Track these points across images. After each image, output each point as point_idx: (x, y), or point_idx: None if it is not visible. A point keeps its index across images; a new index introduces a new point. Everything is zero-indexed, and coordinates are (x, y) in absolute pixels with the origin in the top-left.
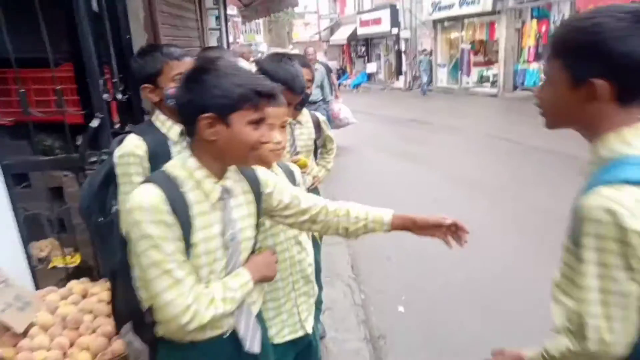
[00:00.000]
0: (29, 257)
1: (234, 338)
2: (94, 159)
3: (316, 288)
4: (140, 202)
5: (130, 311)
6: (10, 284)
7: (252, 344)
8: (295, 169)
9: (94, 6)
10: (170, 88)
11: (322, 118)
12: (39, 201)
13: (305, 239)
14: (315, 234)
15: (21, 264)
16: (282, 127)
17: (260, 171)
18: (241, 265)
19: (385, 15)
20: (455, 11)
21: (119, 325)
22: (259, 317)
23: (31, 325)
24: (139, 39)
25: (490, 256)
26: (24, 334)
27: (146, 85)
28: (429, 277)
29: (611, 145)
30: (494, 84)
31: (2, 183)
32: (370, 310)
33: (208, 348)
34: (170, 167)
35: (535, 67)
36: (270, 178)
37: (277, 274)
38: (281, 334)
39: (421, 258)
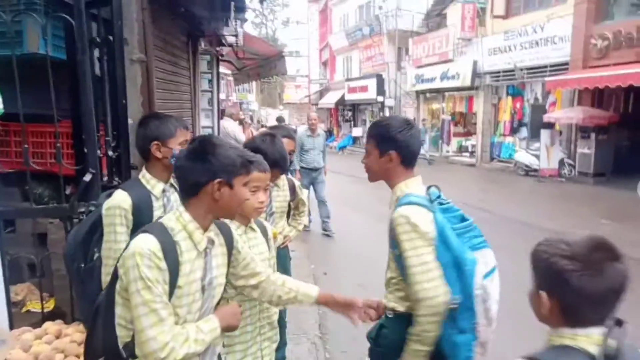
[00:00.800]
0: (7, 299)
1: None
2: (82, 209)
3: (278, 335)
4: (141, 249)
5: (107, 347)
6: None
7: None
8: (268, 226)
9: (97, 71)
10: (177, 150)
11: (297, 183)
12: (21, 246)
13: None
14: None
15: (1, 305)
16: (265, 189)
17: (234, 230)
18: (213, 308)
19: (371, 83)
20: (437, 84)
21: (92, 350)
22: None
23: None
24: (134, 102)
25: None
26: None
27: (157, 142)
28: None
29: (401, 189)
30: (472, 153)
31: None
32: None
33: None
34: (167, 219)
35: (511, 141)
36: (238, 237)
37: (247, 319)
38: None
39: None
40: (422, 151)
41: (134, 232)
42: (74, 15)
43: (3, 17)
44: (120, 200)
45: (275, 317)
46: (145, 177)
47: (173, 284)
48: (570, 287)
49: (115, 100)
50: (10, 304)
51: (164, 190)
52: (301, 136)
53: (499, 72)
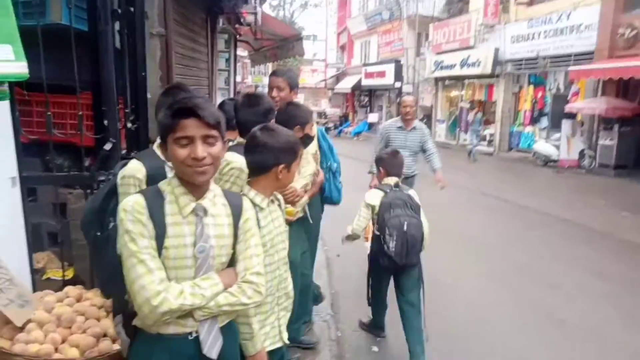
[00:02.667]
0: (31, 264)
1: (197, 341)
2: (102, 178)
3: (291, 303)
4: (125, 205)
5: (120, 308)
6: (14, 282)
7: (211, 350)
8: (280, 197)
9: (117, 44)
10: None
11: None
12: (42, 215)
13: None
14: None
15: (25, 270)
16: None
17: (246, 201)
18: None
19: (389, 69)
20: (456, 71)
21: (115, 314)
22: (230, 329)
23: (29, 321)
24: (153, 75)
25: (467, 308)
26: (22, 328)
27: None
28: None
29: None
30: (490, 142)
31: (19, 194)
32: (345, 348)
33: (172, 344)
34: (162, 183)
35: (530, 130)
36: (252, 215)
37: (267, 290)
38: (263, 345)
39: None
40: (470, 143)
41: None
42: None
43: None
44: (134, 169)
45: (291, 287)
46: (161, 147)
47: (160, 243)
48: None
49: (134, 73)
50: (33, 270)
51: None
52: (388, 129)
53: (521, 60)
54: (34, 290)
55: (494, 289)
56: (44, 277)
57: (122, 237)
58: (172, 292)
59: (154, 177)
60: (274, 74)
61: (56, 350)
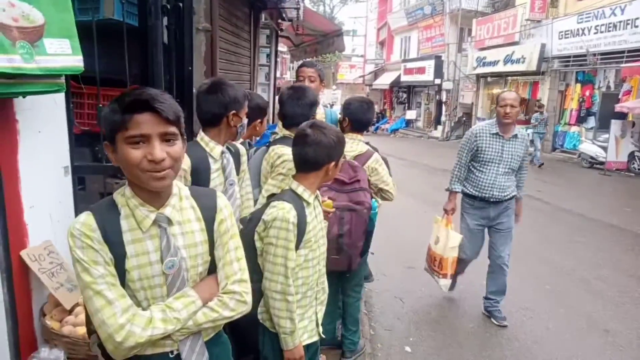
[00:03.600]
0: None
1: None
2: None
3: (326, 296)
4: (71, 230)
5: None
6: (64, 267)
7: None
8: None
9: (165, 39)
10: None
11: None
12: (89, 203)
13: None
14: None
15: None
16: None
17: (221, 200)
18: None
19: (429, 65)
20: (500, 68)
21: (90, 333)
22: (219, 340)
23: (77, 304)
24: (198, 70)
25: (503, 307)
26: (70, 311)
27: (235, 111)
28: (439, 322)
29: None
30: (532, 142)
31: (70, 181)
32: (378, 346)
33: None
34: (116, 193)
35: (576, 130)
36: (228, 211)
37: (308, 284)
38: (302, 338)
39: (432, 304)
40: (537, 145)
41: None
42: None
43: None
44: None
45: (326, 283)
46: (204, 139)
47: (122, 268)
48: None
49: (181, 68)
50: None
51: (222, 152)
52: (478, 135)
53: (569, 56)
54: None
55: (533, 294)
56: None
57: (74, 266)
58: (138, 322)
59: (198, 168)
60: (304, 65)
61: None
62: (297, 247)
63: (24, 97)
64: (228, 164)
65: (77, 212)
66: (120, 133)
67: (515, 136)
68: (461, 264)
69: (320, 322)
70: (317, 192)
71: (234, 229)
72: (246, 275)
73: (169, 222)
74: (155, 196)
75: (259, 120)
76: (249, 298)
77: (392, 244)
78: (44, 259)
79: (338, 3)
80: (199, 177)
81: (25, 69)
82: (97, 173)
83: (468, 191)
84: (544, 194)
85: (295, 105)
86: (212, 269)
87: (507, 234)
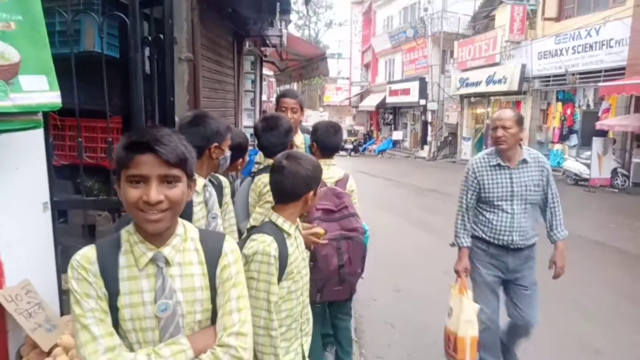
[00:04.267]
0: (60, 286)
1: None
2: None
3: (311, 327)
4: (72, 261)
5: None
6: (43, 307)
7: None
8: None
9: (147, 69)
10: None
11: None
12: (72, 236)
13: None
14: None
15: (53, 292)
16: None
17: (227, 244)
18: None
19: (414, 86)
20: (482, 88)
21: None
22: None
23: (55, 345)
24: (181, 99)
25: None
26: (49, 353)
27: (217, 144)
28: (431, 349)
29: None
30: None
31: (49, 217)
32: None
33: None
34: (125, 228)
35: (559, 148)
36: (235, 257)
37: (293, 317)
38: None
39: (424, 330)
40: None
41: None
42: (129, 14)
43: (65, 17)
44: None
45: (310, 314)
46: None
47: (114, 305)
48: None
49: (163, 97)
50: (61, 291)
51: (205, 185)
52: (477, 169)
53: (549, 76)
54: (62, 311)
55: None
56: None
57: (70, 296)
58: None
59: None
60: (284, 95)
61: None
62: (279, 280)
63: None
64: (210, 197)
65: (57, 246)
66: (123, 170)
67: (524, 161)
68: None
69: (307, 354)
70: (298, 221)
71: (239, 276)
72: (246, 329)
73: (167, 262)
74: (156, 234)
75: (240, 160)
76: (245, 355)
77: (380, 266)
78: (21, 299)
79: (323, 27)
80: (181, 213)
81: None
82: (77, 207)
83: (479, 234)
84: None
85: (270, 136)
86: (216, 320)
87: (533, 292)
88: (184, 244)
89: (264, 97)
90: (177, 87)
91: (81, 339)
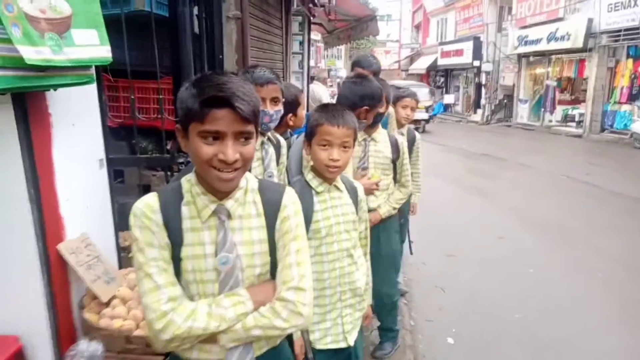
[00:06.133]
0: (117, 242)
1: None
2: (181, 160)
3: (364, 303)
4: (134, 209)
5: None
6: (102, 260)
7: None
8: (359, 187)
9: (196, 29)
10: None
11: (399, 138)
12: (129, 195)
13: (359, 254)
14: None
15: (111, 248)
16: (343, 146)
17: (287, 195)
18: None
19: (467, 47)
20: (543, 46)
21: None
22: (275, 357)
23: (114, 297)
24: (230, 59)
25: (551, 299)
26: (107, 303)
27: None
28: (483, 313)
29: None
30: (579, 124)
31: (106, 174)
32: (419, 338)
33: None
34: (185, 177)
35: (628, 109)
36: (295, 209)
37: (325, 282)
38: (323, 341)
39: (476, 294)
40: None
41: None
42: None
43: None
44: None
45: (360, 284)
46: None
47: (177, 253)
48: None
49: (212, 57)
50: (119, 247)
51: (262, 143)
52: None
53: (619, 30)
54: (120, 263)
55: (581, 281)
56: (130, 255)
57: (133, 244)
58: (180, 312)
59: None
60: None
61: (137, 326)
62: None
63: (55, 89)
64: (267, 155)
65: (114, 204)
66: (194, 124)
67: None
68: None
69: (349, 328)
70: (337, 180)
71: (299, 229)
72: (305, 283)
73: (229, 215)
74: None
75: (290, 115)
76: (305, 310)
77: (431, 231)
78: (81, 252)
79: None
80: None
81: (54, 60)
82: (132, 165)
83: None
84: (594, 177)
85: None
86: (276, 273)
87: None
88: (245, 196)
89: (312, 63)
90: (225, 46)
91: (145, 287)
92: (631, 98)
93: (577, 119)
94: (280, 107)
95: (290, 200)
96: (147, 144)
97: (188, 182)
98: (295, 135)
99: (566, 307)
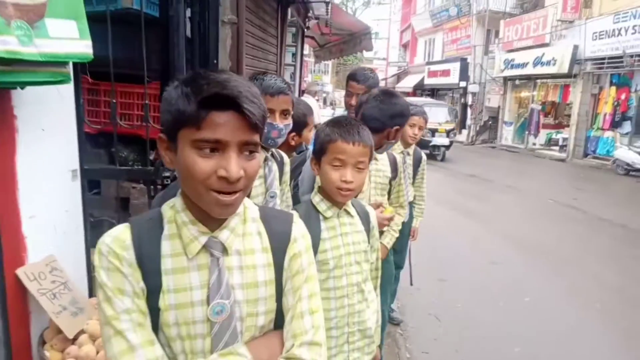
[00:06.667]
0: (88, 265)
1: None
2: (167, 174)
3: (374, 345)
4: (100, 245)
5: None
6: (69, 286)
7: None
8: (371, 212)
9: (188, 32)
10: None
11: (397, 157)
12: (105, 209)
13: (370, 288)
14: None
15: (82, 271)
16: (358, 167)
17: (297, 227)
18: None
19: (455, 67)
20: (529, 70)
21: None
22: None
23: (81, 332)
24: (223, 65)
25: (550, 330)
26: (73, 340)
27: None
28: (480, 346)
29: None
30: (562, 148)
31: (79, 187)
32: None
33: None
34: (167, 203)
35: (610, 136)
36: (306, 244)
37: (332, 322)
38: None
39: (472, 323)
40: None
41: None
42: None
43: None
44: None
45: (371, 323)
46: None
47: (154, 305)
48: None
49: (204, 62)
50: (91, 269)
51: (266, 159)
52: None
53: (603, 58)
54: (91, 292)
55: (579, 311)
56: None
57: (97, 292)
58: None
59: None
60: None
61: None
62: None
63: (22, 88)
64: (270, 172)
65: (86, 219)
66: (187, 130)
67: None
68: None
69: None
70: (348, 204)
71: (311, 269)
72: (320, 336)
73: (225, 250)
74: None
75: (293, 134)
76: None
77: (422, 254)
78: (45, 278)
79: (360, 6)
80: None
81: (22, 53)
82: (110, 177)
83: None
84: (580, 202)
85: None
86: (282, 322)
87: None
88: (244, 226)
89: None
90: (219, 51)
91: (114, 349)
92: (614, 125)
93: (560, 143)
94: (289, 121)
95: (301, 233)
96: (129, 154)
97: (171, 208)
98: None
99: (566, 339)
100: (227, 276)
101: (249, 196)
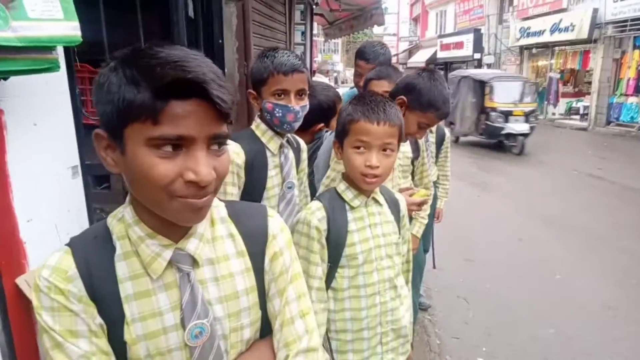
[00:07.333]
0: None
1: None
2: None
3: (408, 345)
4: (38, 280)
5: None
6: None
7: None
8: (401, 199)
9: (190, 12)
10: (268, 102)
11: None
12: (116, 204)
13: (402, 283)
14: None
15: None
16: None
17: (274, 221)
18: None
19: (468, 39)
20: (546, 38)
21: None
22: None
23: None
24: (229, 46)
25: (584, 309)
26: None
27: (251, 91)
28: (513, 327)
29: None
30: (583, 116)
31: (82, 185)
32: (447, 359)
33: None
34: (112, 215)
35: (634, 101)
36: (286, 239)
37: (363, 323)
38: None
39: (503, 305)
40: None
41: (244, 193)
42: None
43: None
44: (233, 154)
45: (405, 322)
46: (260, 127)
47: (119, 340)
48: None
49: (209, 42)
50: None
51: (281, 146)
52: None
53: (625, 20)
54: None
55: (615, 289)
56: None
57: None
58: None
59: (253, 164)
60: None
61: None
62: (335, 263)
63: (5, 79)
64: (286, 161)
65: (92, 218)
66: (138, 125)
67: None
68: None
69: None
70: (376, 191)
71: (296, 265)
72: (315, 340)
73: (195, 263)
74: (174, 223)
75: (319, 126)
76: None
77: (446, 232)
78: None
79: None
80: (255, 176)
81: None
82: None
83: None
84: (606, 171)
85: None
86: (268, 329)
87: None
88: (213, 229)
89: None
90: (224, 31)
91: None
92: (638, 90)
93: (581, 111)
94: (306, 102)
95: (279, 227)
96: None
97: (120, 221)
98: (329, 132)
99: (602, 319)
100: (202, 291)
101: (265, 187)
